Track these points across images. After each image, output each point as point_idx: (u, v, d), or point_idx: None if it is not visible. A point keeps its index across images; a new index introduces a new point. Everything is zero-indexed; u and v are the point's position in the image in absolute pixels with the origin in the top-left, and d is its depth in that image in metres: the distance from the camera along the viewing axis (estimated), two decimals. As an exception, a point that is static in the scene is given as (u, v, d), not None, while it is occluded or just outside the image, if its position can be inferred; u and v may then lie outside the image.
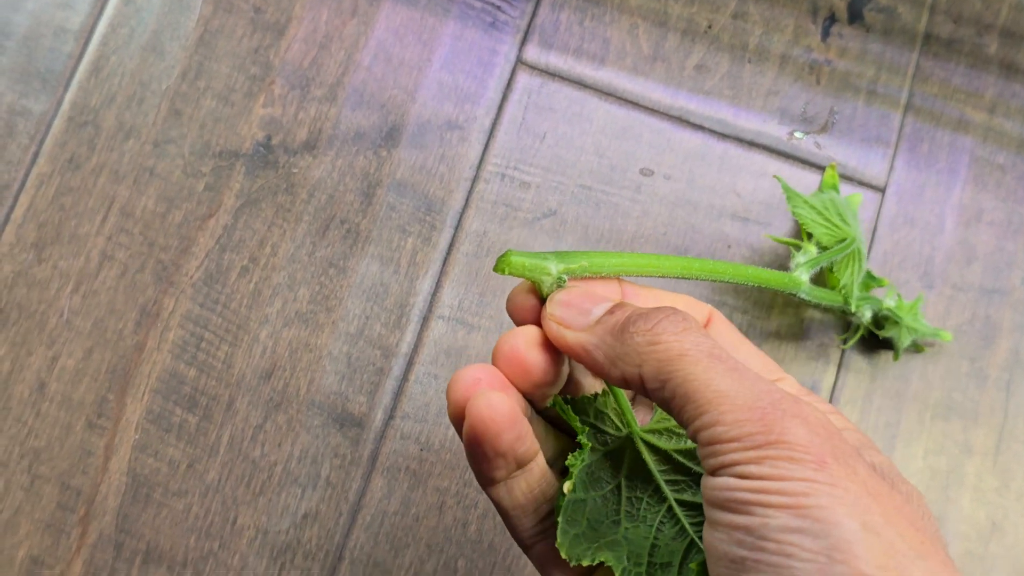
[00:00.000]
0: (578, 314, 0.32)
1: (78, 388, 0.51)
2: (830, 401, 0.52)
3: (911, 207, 0.54)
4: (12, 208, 0.52)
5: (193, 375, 0.51)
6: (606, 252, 0.36)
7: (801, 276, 0.46)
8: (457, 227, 0.53)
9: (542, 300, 0.34)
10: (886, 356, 0.52)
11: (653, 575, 0.33)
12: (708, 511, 0.28)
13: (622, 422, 0.35)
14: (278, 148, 0.54)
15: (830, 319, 0.53)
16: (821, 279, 0.51)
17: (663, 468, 0.34)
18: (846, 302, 0.49)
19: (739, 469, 0.27)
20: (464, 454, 0.50)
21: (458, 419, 0.33)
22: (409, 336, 0.52)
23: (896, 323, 0.50)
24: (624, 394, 0.35)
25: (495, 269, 0.34)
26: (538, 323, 0.34)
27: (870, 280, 0.51)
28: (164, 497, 0.50)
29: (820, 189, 0.53)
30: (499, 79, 0.55)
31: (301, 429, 0.51)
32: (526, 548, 0.36)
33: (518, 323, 0.35)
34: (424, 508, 0.50)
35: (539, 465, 0.35)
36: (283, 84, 0.54)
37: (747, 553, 0.27)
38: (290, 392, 0.51)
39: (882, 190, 0.54)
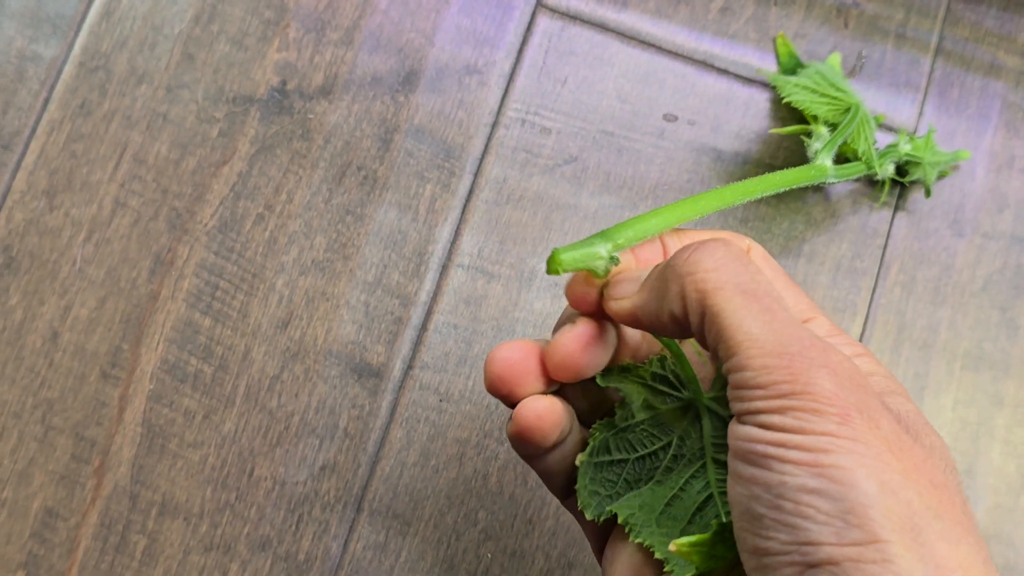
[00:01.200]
0: (631, 283, 0.33)
1: (92, 338, 0.50)
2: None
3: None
4: (23, 155, 0.51)
5: (208, 324, 0.50)
6: (644, 215, 0.36)
7: (824, 162, 0.46)
8: (476, 173, 0.52)
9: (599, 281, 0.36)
10: (914, 303, 0.51)
11: (661, 524, 0.33)
12: (731, 462, 0.28)
13: (681, 384, 0.35)
14: (293, 93, 0.52)
15: (859, 250, 0.52)
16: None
17: (716, 434, 0.34)
18: (870, 168, 0.48)
19: (762, 418, 0.27)
20: (483, 402, 0.50)
21: (493, 391, 0.35)
22: (428, 285, 0.51)
23: (918, 164, 0.50)
24: (688, 361, 0.35)
25: (548, 272, 0.34)
26: (599, 307, 0.34)
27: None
28: (180, 448, 0.49)
29: (778, 63, 0.52)
30: (519, 22, 0.53)
31: (318, 379, 0.50)
32: (562, 499, 0.38)
33: (582, 310, 0.35)
34: (444, 459, 0.49)
35: (573, 436, 0.36)
36: (298, 28, 0.53)
37: (765, 511, 0.26)
38: (307, 342, 0.50)
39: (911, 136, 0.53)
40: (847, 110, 0.47)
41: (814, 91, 0.48)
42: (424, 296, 0.51)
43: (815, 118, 0.48)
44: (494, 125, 0.52)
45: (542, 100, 0.53)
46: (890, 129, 0.53)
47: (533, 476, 0.49)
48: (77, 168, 0.51)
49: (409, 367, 0.50)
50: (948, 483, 0.28)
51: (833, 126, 0.47)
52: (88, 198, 0.51)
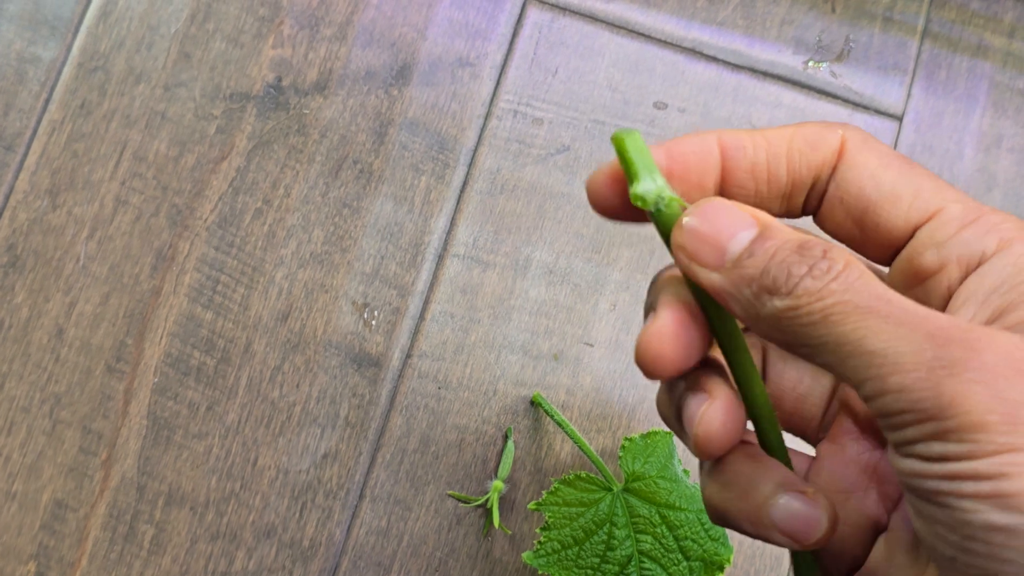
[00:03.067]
0: (711, 250, 0.26)
1: (96, 333, 0.51)
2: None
3: (929, 135, 0.53)
4: (25, 155, 0.52)
5: (210, 318, 0.51)
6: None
7: None
8: (470, 165, 0.53)
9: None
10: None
11: None
12: (908, 497, 0.24)
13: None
14: (289, 89, 0.53)
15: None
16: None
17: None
18: None
19: (919, 448, 0.23)
20: (481, 389, 0.50)
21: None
22: (424, 275, 0.52)
23: None
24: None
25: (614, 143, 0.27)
26: (618, 195, 0.27)
27: None
28: (185, 439, 0.50)
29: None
30: (509, 14, 0.54)
31: (319, 370, 0.51)
32: None
33: (599, 208, 0.28)
34: (443, 446, 0.50)
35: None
36: (292, 24, 0.54)
37: (956, 553, 0.22)
38: (307, 333, 0.51)
39: (899, 118, 0.53)
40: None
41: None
42: (421, 286, 0.52)
43: None
44: (487, 116, 0.53)
45: (534, 91, 0.53)
46: (879, 112, 0.53)
47: (531, 460, 0.50)
48: (79, 167, 0.52)
49: (408, 356, 0.51)
50: None
51: None
52: (90, 196, 0.52)
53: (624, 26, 0.54)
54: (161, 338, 0.51)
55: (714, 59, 0.54)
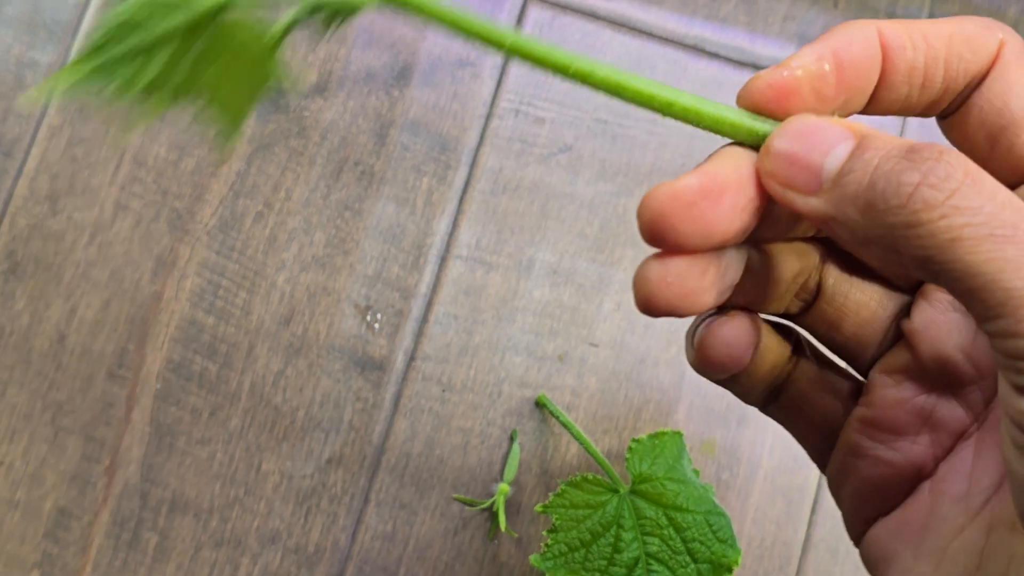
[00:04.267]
0: (806, 172, 0.23)
1: (98, 339, 0.51)
2: None
3: (935, 129, 0.53)
4: (24, 161, 0.52)
5: (212, 323, 0.51)
6: None
7: None
8: (472, 165, 0.52)
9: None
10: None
11: None
12: (1014, 439, 0.22)
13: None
14: (289, 91, 0.53)
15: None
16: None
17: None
18: None
19: None
20: (486, 391, 0.50)
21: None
22: (427, 277, 0.51)
23: None
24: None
25: None
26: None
27: None
28: (188, 445, 0.50)
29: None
30: (509, 14, 0.54)
31: (322, 374, 0.50)
32: (762, 408, 0.30)
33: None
34: (448, 449, 0.50)
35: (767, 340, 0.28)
36: (291, 26, 0.53)
37: None
38: (310, 337, 0.51)
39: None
40: None
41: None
42: (424, 288, 0.51)
43: None
44: (488, 116, 0.53)
45: (535, 90, 0.53)
46: (883, 107, 0.53)
47: (537, 462, 0.50)
48: (78, 172, 0.52)
49: (411, 359, 0.50)
50: None
51: None
52: (90, 201, 0.52)
53: (625, 24, 0.54)
54: (163, 344, 0.51)
55: (716, 56, 0.54)
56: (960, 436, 0.26)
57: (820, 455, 0.29)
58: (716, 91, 0.53)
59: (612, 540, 0.44)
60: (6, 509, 0.49)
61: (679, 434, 0.46)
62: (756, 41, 0.54)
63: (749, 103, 0.24)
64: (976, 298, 0.21)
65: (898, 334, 0.27)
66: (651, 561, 0.43)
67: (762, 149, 0.23)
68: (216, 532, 0.49)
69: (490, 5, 0.54)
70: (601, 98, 0.53)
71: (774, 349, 0.28)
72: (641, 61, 0.53)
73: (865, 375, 0.28)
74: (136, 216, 0.52)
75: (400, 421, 0.50)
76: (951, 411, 0.26)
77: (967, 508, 0.25)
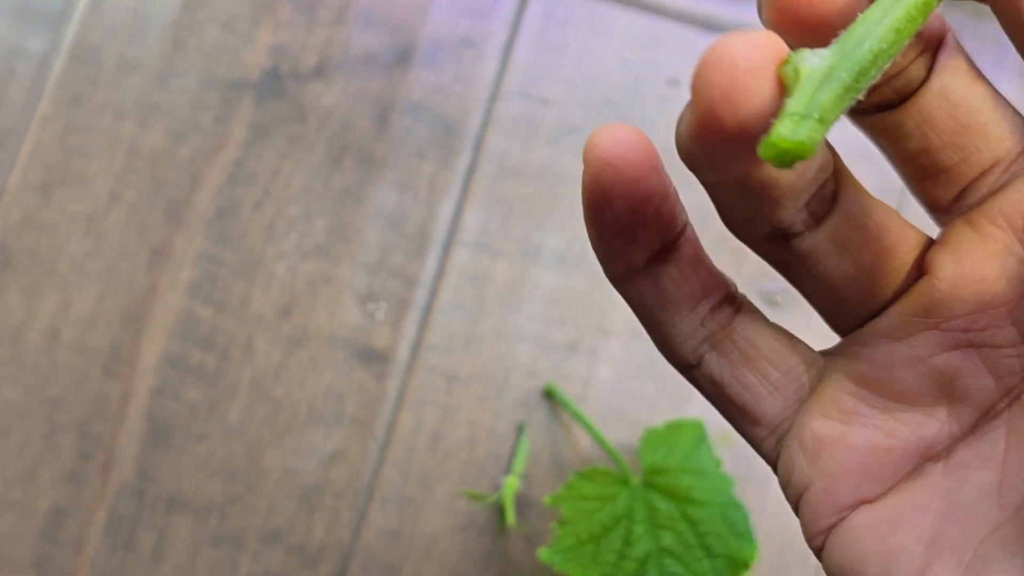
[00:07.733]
0: None
1: (93, 333, 0.49)
2: None
3: None
4: (17, 151, 0.51)
5: (209, 315, 0.49)
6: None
7: None
8: (477, 149, 0.51)
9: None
10: None
11: None
12: None
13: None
14: (287, 76, 0.51)
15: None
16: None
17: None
18: None
19: None
20: (493, 382, 0.48)
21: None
22: (431, 264, 0.50)
23: None
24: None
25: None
26: None
27: None
28: (186, 441, 0.48)
29: None
30: (514, -8, 0.52)
31: (324, 365, 0.49)
32: (686, 368, 0.25)
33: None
34: (454, 442, 0.48)
35: (690, 240, 0.23)
36: (289, 9, 0.52)
37: None
38: (311, 328, 0.49)
39: (926, 89, 0.51)
40: None
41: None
42: (428, 276, 0.49)
43: None
44: (493, 99, 0.51)
45: (541, 71, 0.51)
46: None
47: (547, 454, 0.48)
48: (72, 162, 0.51)
49: (416, 349, 0.49)
50: None
51: None
52: (84, 192, 0.50)
53: (634, 1, 0.52)
54: (159, 337, 0.49)
55: (727, 32, 0.52)
56: (987, 413, 0.22)
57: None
58: (729, 69, 0.51)
59: (623, 533, 0.42)
60: (1, 509, 0.47)
61: (699, 423, 0.44)
62: (770, 16, 0.52)
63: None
64: None
65: (919, 273, 0.23)
66: (664, 555, 0.42)
67: None
68: (215, 530, 0.47)
69: (493, -16, 0.52)
70: (609, 78, 0.51)
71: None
72: (651, 40, 0.52)
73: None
74: (131, 206, 0.50)
75: (404, 414, 0.48)
76: (977, 379, 0.22)
77: (1001, 502, 0.21)
